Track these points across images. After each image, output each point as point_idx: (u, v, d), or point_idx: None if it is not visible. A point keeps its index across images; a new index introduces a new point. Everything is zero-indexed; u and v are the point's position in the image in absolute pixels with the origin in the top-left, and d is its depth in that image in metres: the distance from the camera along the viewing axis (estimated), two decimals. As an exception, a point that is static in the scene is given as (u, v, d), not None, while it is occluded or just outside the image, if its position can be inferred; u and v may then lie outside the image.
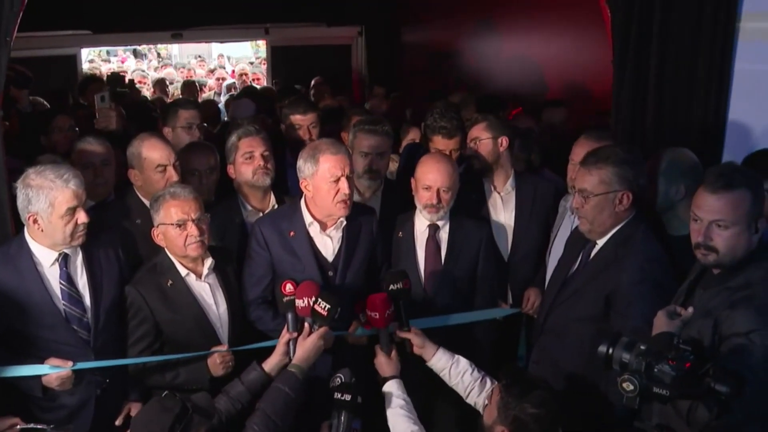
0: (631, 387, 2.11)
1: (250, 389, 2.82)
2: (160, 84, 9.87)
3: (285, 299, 2.98)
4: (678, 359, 2.08)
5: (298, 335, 2.92)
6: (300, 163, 3.29)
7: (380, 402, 2.87)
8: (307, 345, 2.87)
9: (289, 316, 2.96)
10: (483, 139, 3.94)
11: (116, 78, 9.54)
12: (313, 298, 2.88)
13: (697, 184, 2.61)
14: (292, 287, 2.97)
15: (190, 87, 9.49)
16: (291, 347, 2.92)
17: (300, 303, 2.91)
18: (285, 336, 2.94)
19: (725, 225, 2.46)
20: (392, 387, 2.87)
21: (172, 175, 3.53)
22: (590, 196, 3.02)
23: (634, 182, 3.01)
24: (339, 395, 2.69)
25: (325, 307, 2.85)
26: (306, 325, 2.92)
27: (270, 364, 2.92)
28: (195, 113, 4.51)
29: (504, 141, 3.95)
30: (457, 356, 2.99)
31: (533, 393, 2.51)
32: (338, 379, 2.79)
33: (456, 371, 2.96)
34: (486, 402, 2.72)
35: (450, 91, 6.82)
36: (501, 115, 5.57)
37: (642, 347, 2.17)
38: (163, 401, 2.45)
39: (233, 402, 2.79)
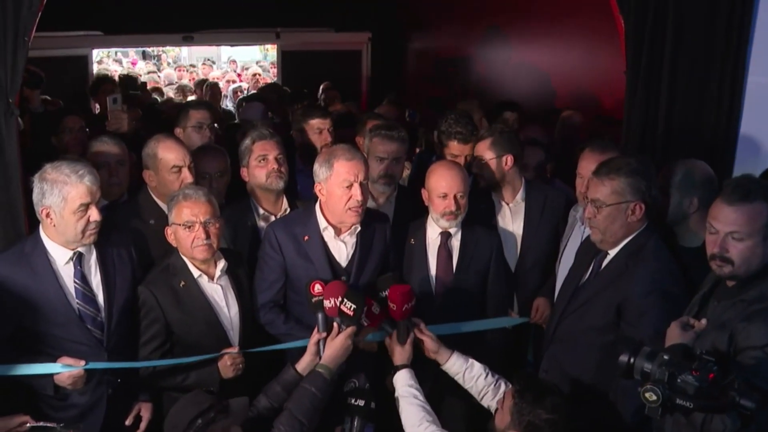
0: (654, 397, 2.09)
1: (286, 389, 2.84)
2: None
3: (314, 299, 2.97)
4: (701, 370, 2.07)
5: (328, 335, 2.92)
6: (316, 167, 3.30)
7: (391, 407, 2.88)
8: (335, 345, 2.88)
9: (320, 316, 2.95)
10: (487, 159, 3.90)
11: (129, 80, 9.55)
12: (340, 299, 2.87)
13: (710, 197, 2.62)
14: (321, 287, 2.96)
15: (214, 90, 9.48)
16: (321, 347, 2.92)
17: (327, 303, 2.90)
18: (315, 336, 2.95)
19: (741, 237, 2.46)
20: (404, 376, 2.88)
21: (187, 176, 3.54)
22: (603, 206, 3.03)
23: (647, 193, 3.02)
24: (353, 400, 2.70)
25: (351, 307, 2.84)
26: (335, 325, 2.91)
27: (302, 365, 2.93)
28: (206, 114, 4.52)
29: (509, 159, 3.89)
30: (471, 360, 3.00)
31: (547, 398, 2.53)
32: (352, 383, 2.79)
33: (470, 375, 2.97)
34: (497, 406, 2.73)
35: (457, 98, 6.83)
36: (512, 120, 5.61)
37: (665, 357, 2.15)
38: (197, 395, 2.58)
39: (271, 402, 2.83)
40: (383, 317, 3.01)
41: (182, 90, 9.99)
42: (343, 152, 3.26)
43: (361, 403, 2.70)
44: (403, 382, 2.86)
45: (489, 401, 2.92)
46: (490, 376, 2.96)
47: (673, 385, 2.09)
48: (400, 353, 2.96)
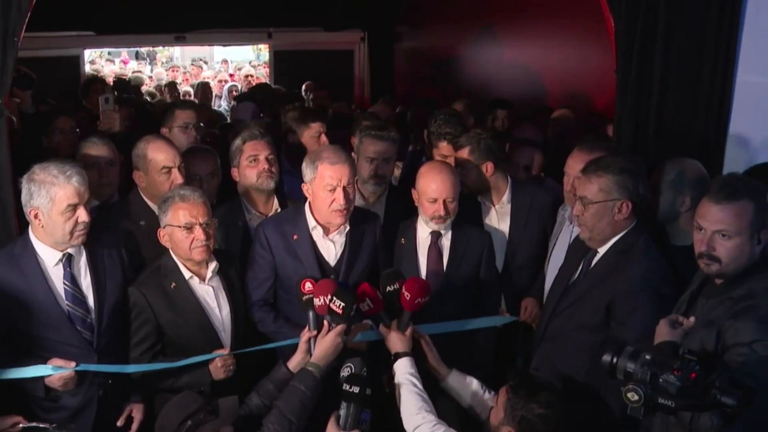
0: (636, 397, 2.10)
1: (278, 387, 2.85)
2: (170, 87, 9.79)
3: (304, 298, 2.97)
4: (683, 369, 2.07)
5: (318, 333, 2.92)
6: (303, 166, 3.32)
7: (387, 406, 2.88)
8: (325, 343, 2.88)
9: (310, 314, 2.96)
10: (466, 168, 3.89)
11: (123, 83, 9.52)
12: (329, 297, 2.87)
13: (703, 196, 2.62)
14: (311, 286, 2.96)
15: (204, 89, 9.46)
16: (312, 345, 2.92)
17: (317, 302, 2.91)
18: (305, 334, 2.95)
19: (728, 235, 2.47)
20: (405, 364, 2.89)
21: (177, 177, 3.53)
22: (590, 204, 3.04)
23: (634, 191, 3.03)
24: (348, 387, 2.69)
25: (340, 305, 2.84)
26: (325, 323, 2.92)
27: (294, 363, 2.93)
28: (192, 114, 4.53)
29: (489, 167, 3.87)
30: (469, 378, 3.02)
31: (540, 394, 2.55)
32: (348, 369, 2.78)
33: (469, 392, 2.98)
34: (492, 404, 2.74)
35: (450, 98, 6.83)
36: (503, 117, 5.61)
37: (647, 357, 2.16)
38: (186, 397, 2.61)
39: (263, 399, 2.84)
40: (383, 306, 3.03)
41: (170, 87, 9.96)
42: (327, 155, 3.26)
43: (357, 390, 2.69)
44: (404, 370, 2.87)
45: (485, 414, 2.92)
46: (487, 393, 2.98)
47: (655, 385, 2.10)
48: (401, 341, 2.96)
